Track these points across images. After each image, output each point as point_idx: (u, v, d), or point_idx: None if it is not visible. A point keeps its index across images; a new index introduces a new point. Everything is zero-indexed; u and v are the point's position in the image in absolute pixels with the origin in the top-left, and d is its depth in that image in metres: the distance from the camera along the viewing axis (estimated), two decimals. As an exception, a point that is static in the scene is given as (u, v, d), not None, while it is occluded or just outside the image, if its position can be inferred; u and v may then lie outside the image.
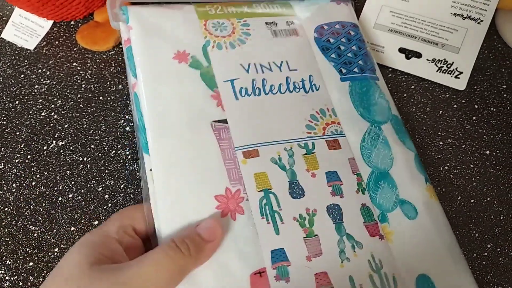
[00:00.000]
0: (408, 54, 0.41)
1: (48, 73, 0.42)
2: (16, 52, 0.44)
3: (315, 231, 0.29)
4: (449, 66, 0.40)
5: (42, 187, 0.38)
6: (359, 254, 0.29)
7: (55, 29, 0.45)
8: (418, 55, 0.40)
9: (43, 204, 0.37)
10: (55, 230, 0.36)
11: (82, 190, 0.37)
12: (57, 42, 0.44)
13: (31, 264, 0.35)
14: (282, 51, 0.35)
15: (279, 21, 0.37)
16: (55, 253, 0.35)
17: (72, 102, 0.41)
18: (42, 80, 0.42)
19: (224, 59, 0.34)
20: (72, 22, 0.45)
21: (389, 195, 0.31)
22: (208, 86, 0.32)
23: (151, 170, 0.30)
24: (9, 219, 0.37)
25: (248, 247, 0.28)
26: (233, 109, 0.32)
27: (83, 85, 0.42)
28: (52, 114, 0.41)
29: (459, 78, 0.39)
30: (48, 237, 0.36)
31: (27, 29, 0.44)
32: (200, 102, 0.32)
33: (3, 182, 0.38)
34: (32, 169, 0.38)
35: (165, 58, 0.33)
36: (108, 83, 0.42)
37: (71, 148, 0.39)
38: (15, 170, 0.38)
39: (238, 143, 0.31)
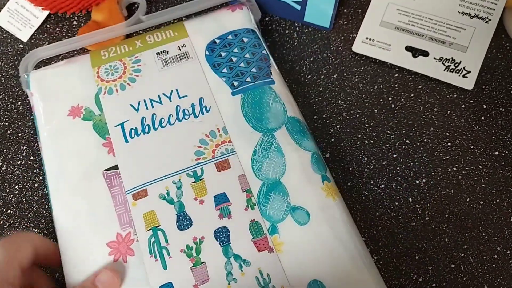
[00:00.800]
0: (415, 52, 0.40)
1: (50, 73, 0.42)
2: (18, 52, 0.43)
3: (202, 258, 0.30)
4: (456, 65, 0.39)
5: (45, 189, 0.37)
6: (247, 272, 0.29)
7: (57, 28, 0.44)
8: (425, 53, 0.40)
9: (46, 207, 0.37)
10: (58, 233, 0.36)
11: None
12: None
13: (33, 267, 0.35)
14: (172, 79, 0.36)
15: (171, 47, 0.37)
16: (58, 256, 0.35)
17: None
18: (44, 80, 0.42)
19: (114, 104, 0.35)
20: (74, 23, 0.44)
21: (280, 204, 0.31)
22: (100, 135, 0.34)
23: (56, 228, 0.32)
24: (11, 222, 0.36)
25: (139, 287, 0.29)
26: (122, 153, 0.33)
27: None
28: (55, 115, 0.40)
29: (467, 77, 0.39)
30: (51, 240, 0.35)
31: (21, 17, 0.44)
32: (93, 153, 0.33)
33: (5, 184, 0.38)
34: (35, 171, 0.38)
35: (60, 117, 0.35)
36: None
37: (74, 149, 0.38)
38: (18, 172, 0.38)
39: (128, 186, 0.32)
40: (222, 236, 0.30)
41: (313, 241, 0.30)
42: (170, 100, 0.35)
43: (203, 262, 0.29)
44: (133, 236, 0.30)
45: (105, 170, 0.33)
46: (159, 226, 0.30)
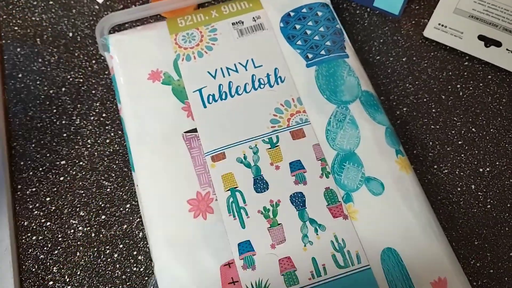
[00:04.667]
0: (487, 42, 0.40)
1: (123, 35, 0.43)
2: (94, 13, 0.45)
3: (279, 220, 0.31)
4: (529, 58, 0.39)
5: (116, 145, 0.39)
6: (322, 236, 0.30)
7: (131, -7, 0.45)
8: (498, 44, 0.40)
9: (117, 162, 0.38)
10: (127, 187, 0.37)
11: (155, 151, 0.38)
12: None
13: (103, 217, 0.36)
14: (247, 49, 0.37)
15: (245, 18, 0.38)
16: (127, 209, 0.37)
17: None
18: (117, 42, 0.43)
19: (192, 70, 0.36)
20: (148, -12, 0.45)
21: (354, 174, 0.32)
22: (179, 99, 0.35)
23: (137, 185, 0.33)
24: (83, 173, 0.38)
25: (218, 243, 0.30)
26: (201, 118, 0.34)
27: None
28: (127, 76, 0.41)
29: (539, 71, 0.39)
30: (121, 193, 0.37)
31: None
32: (172, 116, 0.35)
33: (78, 137, 0.39)
34: (107, 127, 0.40)
35: (140, 81, 0.36)
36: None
37: (144, 110, 0.40)
38: (91, 127, 0.40)
39: (207, 149, 0.33)
40: (298, 200, 0.31)
41: (386, 211, 0.31)
42: (246, 69, 0.36)
43: (280, 223, 0.31)
44: (212, 196, 0.32)
45: (185, 132, 0.34)
46: (237, 187, 0.32)
